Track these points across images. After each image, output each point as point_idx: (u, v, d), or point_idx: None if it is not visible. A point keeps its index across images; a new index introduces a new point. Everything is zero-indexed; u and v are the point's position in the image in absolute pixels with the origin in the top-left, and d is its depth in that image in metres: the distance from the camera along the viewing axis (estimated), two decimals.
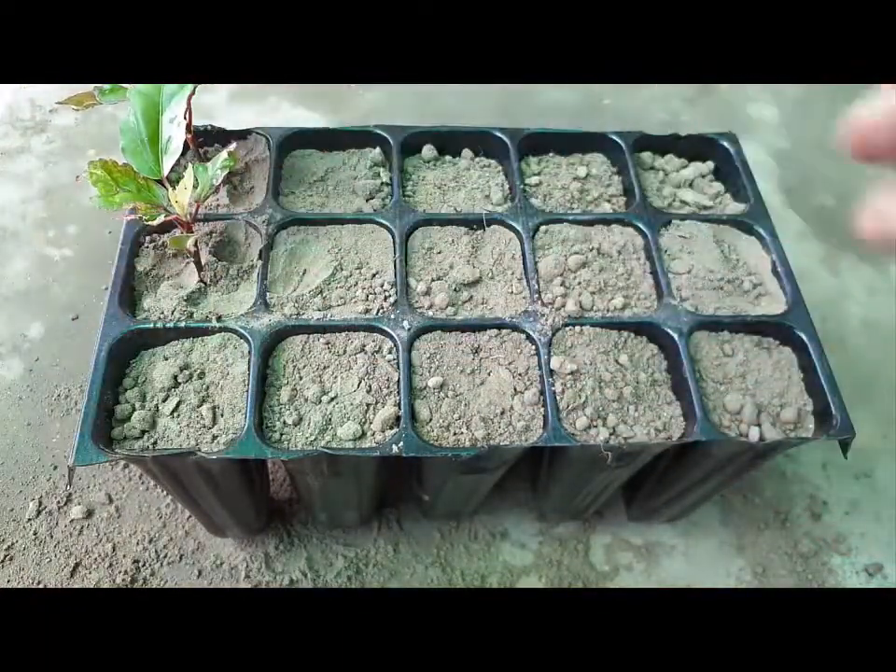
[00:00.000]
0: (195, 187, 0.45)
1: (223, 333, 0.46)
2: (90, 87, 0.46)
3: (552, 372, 0.45)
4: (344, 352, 0.46)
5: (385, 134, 0.55)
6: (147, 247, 0.49)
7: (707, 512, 0.61)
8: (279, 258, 0.49)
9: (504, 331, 0.47)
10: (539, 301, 0.48)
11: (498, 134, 0.56)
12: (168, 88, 0.44)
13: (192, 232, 0.46)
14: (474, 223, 0.52)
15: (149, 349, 0.46)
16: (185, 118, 0.45)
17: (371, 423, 0.43)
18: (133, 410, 0.43)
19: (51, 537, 0.58)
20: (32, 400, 0.65)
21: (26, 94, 0.82)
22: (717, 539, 0.60)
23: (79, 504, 0.60)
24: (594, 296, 0.49)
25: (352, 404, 0.43)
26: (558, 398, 0.44)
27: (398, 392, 0.44)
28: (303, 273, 0.49)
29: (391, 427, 0.43)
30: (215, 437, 0.42)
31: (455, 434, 0.43)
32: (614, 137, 0.57)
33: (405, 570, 0.55)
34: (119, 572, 0.56)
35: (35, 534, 0.58)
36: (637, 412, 0.45)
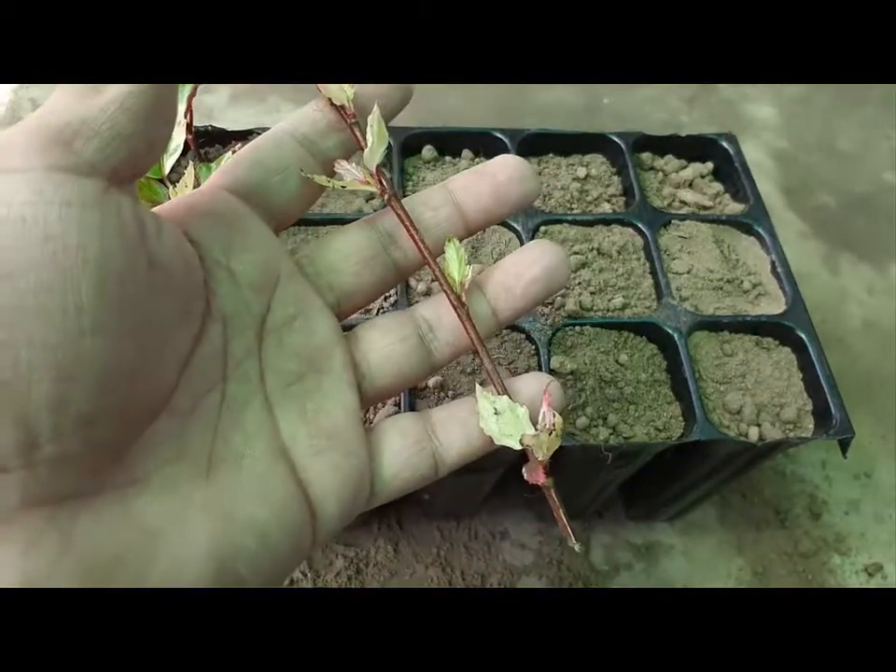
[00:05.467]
0: (196, 186, 0.45)
1: None
2: (89, 87, 0.46)
3: (552, 372, 0.45)
4: None
5: None
6: None
7: (707, 512, 0.61)
8: None
9: (504, 331, 0.47)
10: None
11: (498, 135, 0.56)
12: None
13: None
14: None
15: None
16: (185, 117, 0.45)
17: (371, 423, 0.43)
18: None
19: None
20: None
21: (26, 94, 0.82)
22: (716, 539, 0.60)
23: None
24: (594, 296, 0.49)
25: None
26: None
27: None
28: None
29: None
30: None
31: None
32: (614, 137, 0.57)
33: (405, 570, 0.55)
34: None
35: None
36: (637, 411, 0.45)
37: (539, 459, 0.24)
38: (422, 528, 0.58)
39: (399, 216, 0.26)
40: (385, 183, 0.26)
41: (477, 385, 0.26)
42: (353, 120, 0.25)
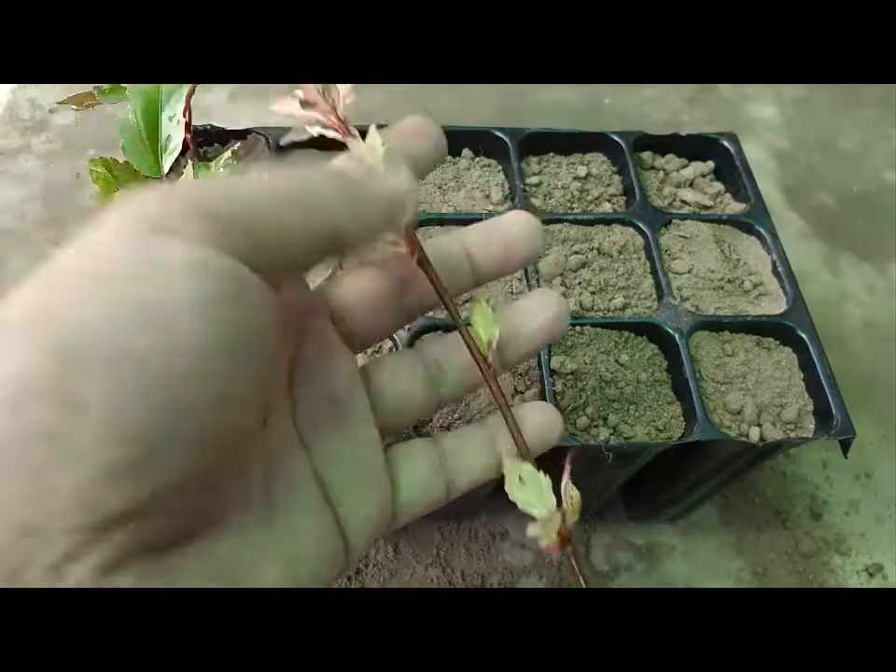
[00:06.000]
0: None
1: None
2: (90, 87, 0.46)
3: (552, 372, 0.45)
4: None
5: None
6: None
7: (707, 512, 0.61)
8: None
9: None
10: None
11: (498, 134, 0.56)
12: (168, 86, 0.44)
13: None
14: (474, 223, 0.52)
15: None
16: (184, 116, 0.45)
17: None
18: None
19: None
20: None
21: (26, 94, 0.82)
22: (717, 540, 0.60)
23: None
24: (594, 296, 0.49)
25: None
26: (559, 397, 0.44)
27: None
28: None
29: None
30: None
31: None
32: (614, 137, 0.57)
33: (405, 570, 0.55)
34: None
35: None
36: (637, 411, 0.45)
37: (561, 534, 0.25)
38: (422, 528, 0.58)
39: (431, 281, 0.26)
40: (414, 244, 0.26)
41: (504, 451, 0.26)
42: None
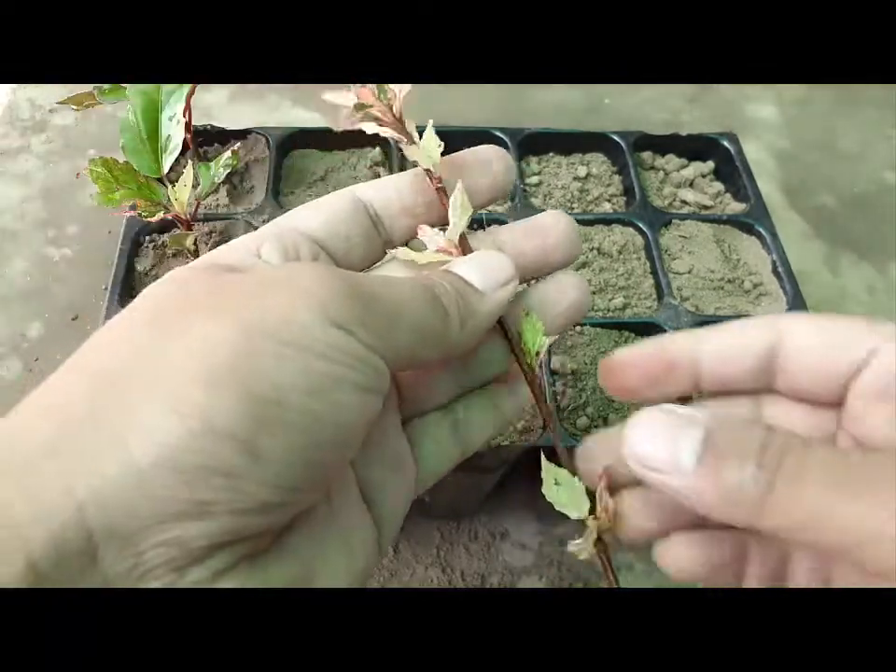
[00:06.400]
0: (195, 185, 0.45)
1: None
2: (90, 87, 0.46)
3: (552, 372, 0.45)
4: None
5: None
6: (147, 247, 0.49)
7: None
8: None
9: None
10: None
11: (498, 134, 0.56)
12: (168, 86, 0.44)
13: (192, 231, 0.46)
14: (474, 223, 0.52)
15: None
16: (184, 116, 0.45)
17: None
18: None
19: None
20: None
21: (26, 94, 0.82)
22: None
23: None
24: (594, 296, 0.49)
25: None
26: (559, 397, 0.44)
27: None
28: None
29: None
30: None
31: None
32: (614, 137, 0.57)
33: (405, 570, 0.55)
34: None
35: None
36: (637, 411, 0.45)
37: (597, 538, 0.25)
38: (422, 529, 0.58)
39: (512, 346, 0.26)
40: (501, 321, 0.26)
41: (542, 457, 0.26)
42: (439, 184, 0.26)
